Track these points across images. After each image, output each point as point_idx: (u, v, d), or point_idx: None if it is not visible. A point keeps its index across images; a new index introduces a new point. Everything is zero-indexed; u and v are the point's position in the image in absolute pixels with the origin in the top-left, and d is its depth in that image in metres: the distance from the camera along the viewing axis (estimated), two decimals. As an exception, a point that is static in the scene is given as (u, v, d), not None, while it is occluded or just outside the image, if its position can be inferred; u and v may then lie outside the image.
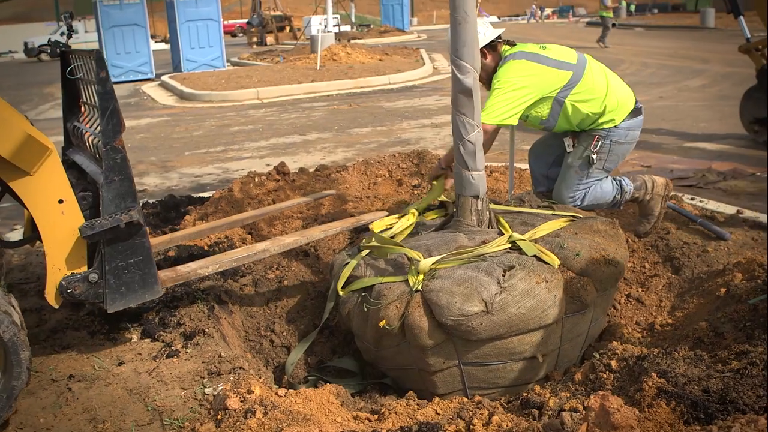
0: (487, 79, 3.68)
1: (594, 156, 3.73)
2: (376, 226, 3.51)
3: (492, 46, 3.69)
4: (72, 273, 2.69)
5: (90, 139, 3.06)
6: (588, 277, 3.02)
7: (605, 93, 3.65)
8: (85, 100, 3.31)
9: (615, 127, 3.70)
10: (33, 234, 3.24)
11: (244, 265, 3.85)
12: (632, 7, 43.76)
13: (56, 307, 2.72)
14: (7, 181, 2.59)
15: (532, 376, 2.97)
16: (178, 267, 3.21)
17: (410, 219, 3.54)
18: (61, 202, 2.64)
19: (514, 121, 3.65)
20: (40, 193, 2.61)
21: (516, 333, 2.81)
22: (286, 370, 3.39)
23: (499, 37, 3.75)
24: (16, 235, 4.29)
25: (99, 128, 2.71)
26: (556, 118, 3.71)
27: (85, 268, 2.72)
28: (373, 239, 3.33)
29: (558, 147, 3.93)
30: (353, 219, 3.85)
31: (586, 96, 3.63)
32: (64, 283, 2.66)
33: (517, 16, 50.22)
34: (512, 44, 3.77)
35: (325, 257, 4.11)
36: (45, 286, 2.68)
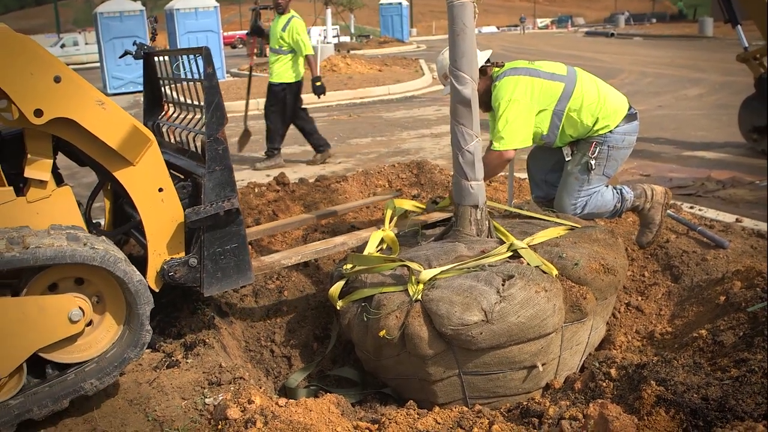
0: (481, 102, 3.68)
1: (593, 162, 3.76)
2: (372, 239, 3.53)
3: (482, 71, 3.66)
4: (172, 258, 2.79)
5: (178, 133, 3.24)
6: (587, 286, 3.03)
7: (597, 101, 3.70)
8: (168, 99, 3.48)
9: (610, 132, 3.74)
10: (119, 227, 3.32)
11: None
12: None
13: (156, 290, 2.80)
14: (112, 170, 2.66)
15: (532, 385, 2.97)
16: (263, 257, 3.35)
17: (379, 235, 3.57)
18: (161, 190, 2.73)
19: (531, 142, 3.71)
20: (142, 182, 2.70)
21: (516, 342, 2.81)
22: (287, 389, 3.40)
23: (488, 60, 3.78)
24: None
25: (203, 121, 2.80)
26: (556, 133, 3.75)
27: (183, 254, 2.82)
28: (355, 262, 3.29)
29: (557, 152, 3.96)
30: (423, 217, 3.90)
31: (580, 106, 3.69)
32: (165, 267, 2.76)
33: (516, 26, 50.40)
34: (501, 65, 3.81)
35: (325, 267, 4.11)
36: (146, 271, 2.76)
